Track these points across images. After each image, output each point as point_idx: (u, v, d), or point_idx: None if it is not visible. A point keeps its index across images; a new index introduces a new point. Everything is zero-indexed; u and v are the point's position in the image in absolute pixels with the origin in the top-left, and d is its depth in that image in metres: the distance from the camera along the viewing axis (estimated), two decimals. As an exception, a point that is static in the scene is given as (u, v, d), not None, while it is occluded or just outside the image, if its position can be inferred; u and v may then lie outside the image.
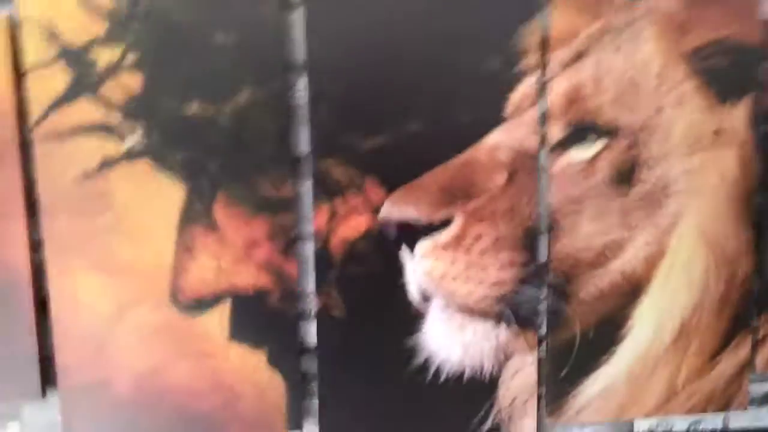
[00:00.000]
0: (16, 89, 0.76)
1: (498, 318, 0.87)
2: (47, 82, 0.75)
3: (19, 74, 0.76)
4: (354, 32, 0.80)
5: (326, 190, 0.82)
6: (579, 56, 0.83)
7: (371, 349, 0.86)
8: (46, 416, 0.85)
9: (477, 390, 0.88)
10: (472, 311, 0.86)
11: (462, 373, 0.88)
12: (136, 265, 0.80)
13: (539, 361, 0.90)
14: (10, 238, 0.78)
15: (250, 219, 0.82)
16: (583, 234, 0.86)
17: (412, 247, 0.84)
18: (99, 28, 0.75)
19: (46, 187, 0.77)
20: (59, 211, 0.78)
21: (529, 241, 0.86)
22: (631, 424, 0.94)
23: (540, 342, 0.90)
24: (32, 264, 0.79)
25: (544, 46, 0.83)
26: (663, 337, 0.88)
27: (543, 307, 0.89)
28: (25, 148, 0.77)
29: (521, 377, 0.89)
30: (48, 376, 0.83)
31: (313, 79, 0.79)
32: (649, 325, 0.88)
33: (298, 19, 0.80)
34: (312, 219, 0.83)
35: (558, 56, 0.83)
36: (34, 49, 0.75)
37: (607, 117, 0.84)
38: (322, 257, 0.83)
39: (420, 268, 0.85)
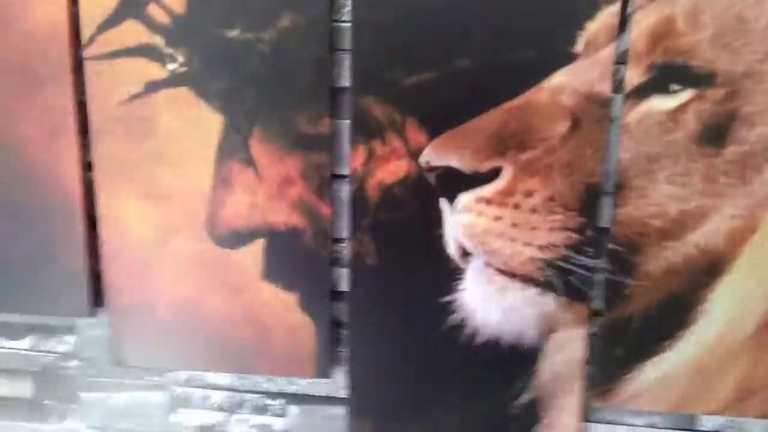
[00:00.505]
0: (70, 10, 0.77)
1: (545, 285, 0.78)
2: (97, 2, 0.76)
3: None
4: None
5: (364, 129, 0.77)
6: (672, -17, 0.69)
7: (405, 302, 0.82)
8: (100, 331, 0.91)
9: (516, 359, 0.81)
10: (515, 274, 0.78)
11: (500, 339, 0.81)
12: (177, 194, 0.81)
13: (591, 337, 0.80)
14: (63, 157, 0.81)
15: (285, 155, 0.79)
16: (657, 198, 0.74)
17: (452, 198, 0.77)
18: (142, -54, 0.74)
19: (96, 108, 0.79)
20: (108, 133, 0.80)
21: (589, 201, 0.75)
22: (692, 419, 0.83)
23: (594, 316, 0.80)
24: (84, 183, 0.83)
25: (630, -29, 0.70)
26: (742, 326, 0.75)
27: (600, 278, 0.79)
28: (77, 69, 0.79)
29: (567, 352, 0.81)
30: (100, 293, 0.87)
31: (358, 4, 0.73)
32: (726, 311, 0.75)
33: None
34: (348, 159, 0.79)
35: (645, -17, 0.69)
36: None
37: (703, 59, 0.70)
38: (357, 200, 0.79)
39: (460, 221, 0.78)
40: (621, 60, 0.72)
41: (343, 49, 0.76)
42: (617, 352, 0.80)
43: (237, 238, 0.82)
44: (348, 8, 0.75)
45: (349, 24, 0.75)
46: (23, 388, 0.95)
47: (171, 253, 0.84)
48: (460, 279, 0.80)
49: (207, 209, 0.82)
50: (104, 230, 0.84)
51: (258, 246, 0.82)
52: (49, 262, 0.85)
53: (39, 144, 0.81)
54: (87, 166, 0.83)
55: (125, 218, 0.83)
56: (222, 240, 0.82)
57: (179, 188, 0.81)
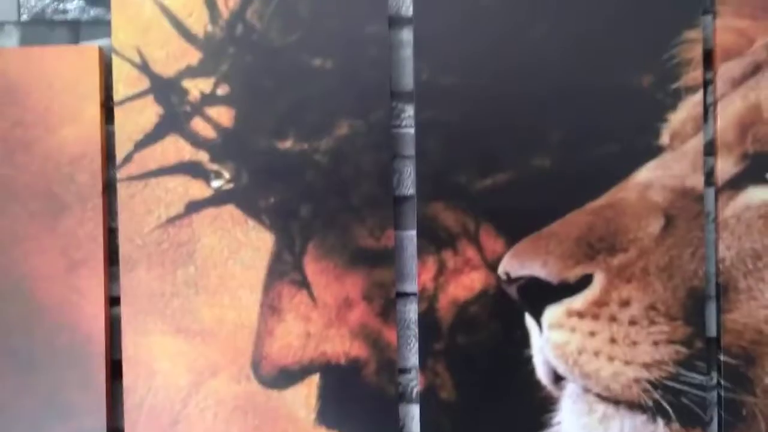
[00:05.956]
0: (103, 129, 0.71)
1: (654, 410, 0.66)
2: (136, 118, 0.70)
3: (107, 110, 0.71)
4: (472, 52, 0.68)
5: (433, 239, 0.69)
6: (756, 70, 0.66)
7: (489, 442, 0.69)
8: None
9: (630, 506, 0.67)
10: (618, 400, 0.67)
11: (609, 482, 0.67)
12: (217, 328, 0.70)
13: (715, 470, 0.67)
14: (86, 291, 0.70)
15: (343, 273, 0.69)
16: (771, 300, 0.66)
17: (539, 313, 0.68)
18: (192, 57, 0.70)
19: (128, 233, 0.70)
20: (139, 261, 0.70)
21: (694, 307, 0.66)
22: None
23: (714, 444, 0.68)
24: (109, 322, 0.71)
25: (708, 58, 0.67)
26: None
27: (713, 397, 0.68)
28: (107, 191, 0.71)
29: (692, 492, 0.67)
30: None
31: (422, 107, 0.68)
32: None
33: (406, 38, 0.70)
34: (416, 275, 0.70)
35: (727, 71, 0.66)
36: (125, 81, 0.70)
37: (796, 147, 0.65)
38: (428, 323, 0.69)
39: (550, 340, 0.67)
40: (708, 151, 0.67)
41: (405, 156, 0.70)
42: (747, 489, 0.66)
43: (286, 376, 0.70)
44: (408, 113, 0.70)
45: (410, 129, 0.70)
46: None
47: (205, 400, 0.70)
48: (554, 410, 0.68)
49: (252, 343, 0.70)
50: (128, 375, 0.71)
51: (311, 384, 0.70)
52: (60, 420, 0.71)
53: (56, 278, 0.70)
54: (111, 302, 0.72)
55: (153, 360, 0.70)
56: (268, 379, 0.70)
57: (219, 320, 0.70)
